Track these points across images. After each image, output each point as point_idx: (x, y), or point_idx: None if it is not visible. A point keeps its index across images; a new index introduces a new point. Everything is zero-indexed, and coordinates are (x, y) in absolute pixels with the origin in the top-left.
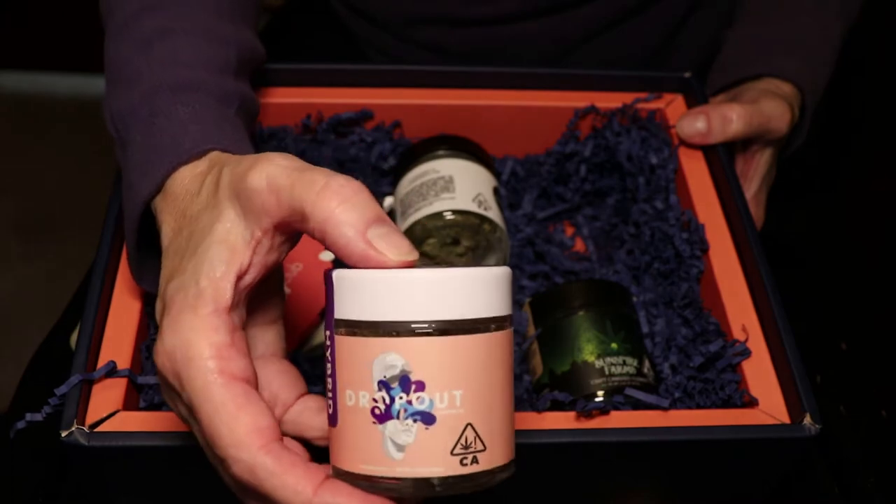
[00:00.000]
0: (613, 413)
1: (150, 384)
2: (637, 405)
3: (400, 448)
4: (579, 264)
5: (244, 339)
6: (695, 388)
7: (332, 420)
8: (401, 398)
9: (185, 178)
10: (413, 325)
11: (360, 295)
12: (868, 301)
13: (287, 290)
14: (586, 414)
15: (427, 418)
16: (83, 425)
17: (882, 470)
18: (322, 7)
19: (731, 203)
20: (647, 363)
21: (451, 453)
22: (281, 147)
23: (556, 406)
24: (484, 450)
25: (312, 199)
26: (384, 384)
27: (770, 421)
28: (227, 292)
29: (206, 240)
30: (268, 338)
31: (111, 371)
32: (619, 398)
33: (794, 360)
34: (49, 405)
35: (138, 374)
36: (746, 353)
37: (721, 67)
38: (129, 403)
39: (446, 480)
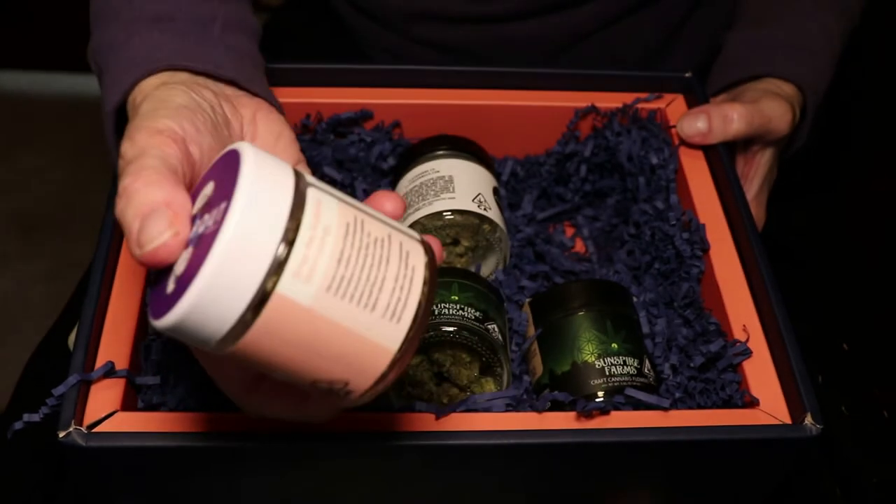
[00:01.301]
0: (614, 413)
1: (149, 384)
2: (637, 405)
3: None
4: (579, 265)
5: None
6: (695, 388)
7: None
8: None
9: (154, 80)
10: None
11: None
12: (869, 301)
13: None
14: (586, 414)
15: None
16: (81, 426)
17: (883, 470)
18: (321, 6)
19: (731, 203)
20: (647, 363)
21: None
22: None
23: (557, 406)
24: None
25: None
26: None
27: (771, 421)
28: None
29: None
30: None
31: (109, 371)
32: (619, 398)
33: (795, 360)
34: (47, 405)
35: (136, 374)
36: (747, 353)
37: (722, 68)
38: (127, 404)
39: None
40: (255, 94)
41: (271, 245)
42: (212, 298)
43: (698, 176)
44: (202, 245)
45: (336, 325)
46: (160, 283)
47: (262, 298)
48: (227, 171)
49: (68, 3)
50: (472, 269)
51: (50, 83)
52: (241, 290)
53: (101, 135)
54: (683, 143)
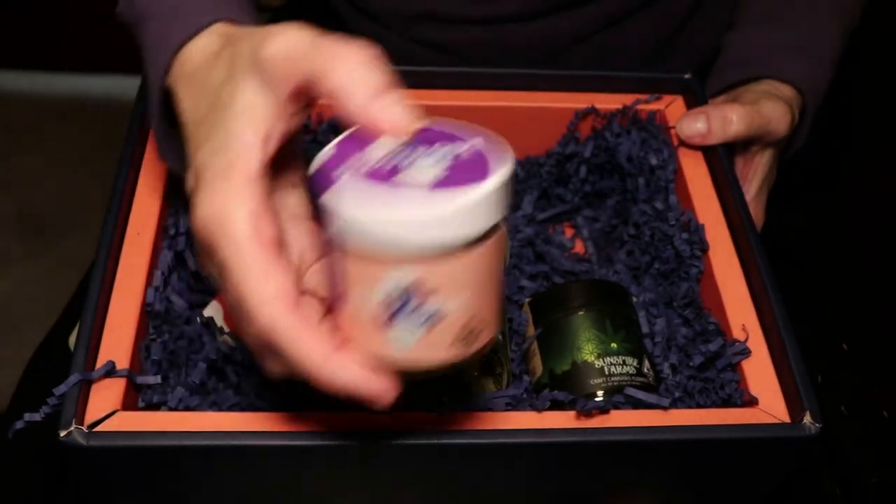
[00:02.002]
0: (613, 412)
1: (149, 384)
2: (637, 405)
3: (407, 344)
4: (579, 265)
5: (272, 204)
6: (695, 387)
7: (336, 300)
8: (410, 304)
9: (196, 53)
10: (425, 252)
11: (366, 231)
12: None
13: None
14: (586, 413)
15: (438, 316)
16: (82, 425)
17: (883, 470)
18: (322, 7)
19: (730, 203)
20: (647, 363)
21: (459, 339)
22: None
23: (556, 406)
24: (483, 329)
25: (326, 66)
26: (394, 294)
27: (770, 420)
28: (255, 161)
29: (231, 111)
30: (292, 200)
31: (110, 371)
32: (619, 398)
33: (794, 359)
34: (48, 405)
35: (137, 373)
36: (746, 352)
37: (721, 69)
38: (128, 403)
39: (451, 362)
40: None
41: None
42: (485, 204)
43: (698, 177)
44: (465, 168)
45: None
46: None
47: (496, 226)
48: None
49: (68, 3)
50: None
51: (50, 83)
52: (494, 211)
53: (101, 135)
54: (683, 144)
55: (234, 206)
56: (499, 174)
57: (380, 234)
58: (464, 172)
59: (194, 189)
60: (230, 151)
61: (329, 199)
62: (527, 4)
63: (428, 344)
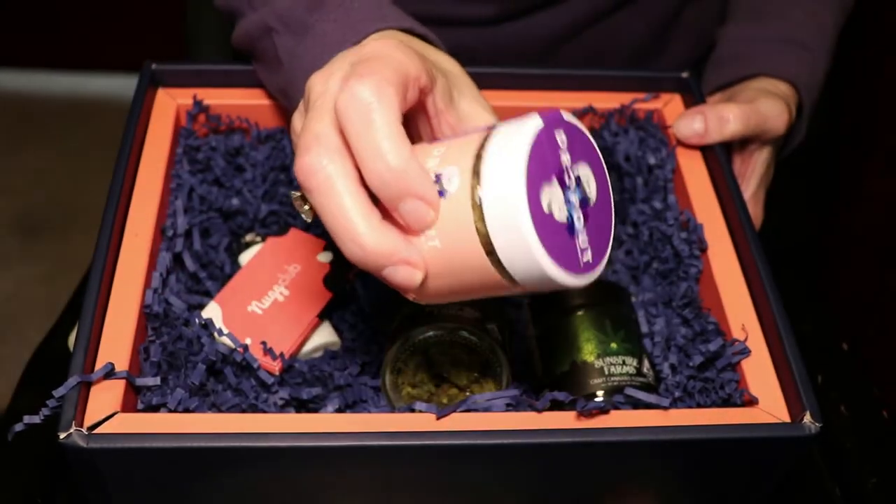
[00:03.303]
0: (613, 412)
1: (149, 386)
2: (637, 405)
3: None
4: None
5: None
6: (694, 387)
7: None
8: None
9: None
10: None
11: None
12: (869, 301)
13: (286, 291)
14: (586, 413)
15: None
16: (81, 427)
17: (883, 470)
18: None
19: (729, 202)
20: (646, 363)
21: None
22: (279, 149)
23: (556, 406)
24: None
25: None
26: None
27: (770, 420)
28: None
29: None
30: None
31: (109, 373)
32: (618, 398)
33: (793, 359)
34: (47, 407)
35: (136, 375)
36: (746, 351)
37: (716, 66)
38: (128, 405)
39: None
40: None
41: None
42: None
43: (696, 176)
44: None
45: None
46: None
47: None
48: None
49: (68, 3)
50: None
51: (50, 83)
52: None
53: (101, 135)
54: (680, 143)
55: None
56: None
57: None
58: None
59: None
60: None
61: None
62: (513, 3)
63: None
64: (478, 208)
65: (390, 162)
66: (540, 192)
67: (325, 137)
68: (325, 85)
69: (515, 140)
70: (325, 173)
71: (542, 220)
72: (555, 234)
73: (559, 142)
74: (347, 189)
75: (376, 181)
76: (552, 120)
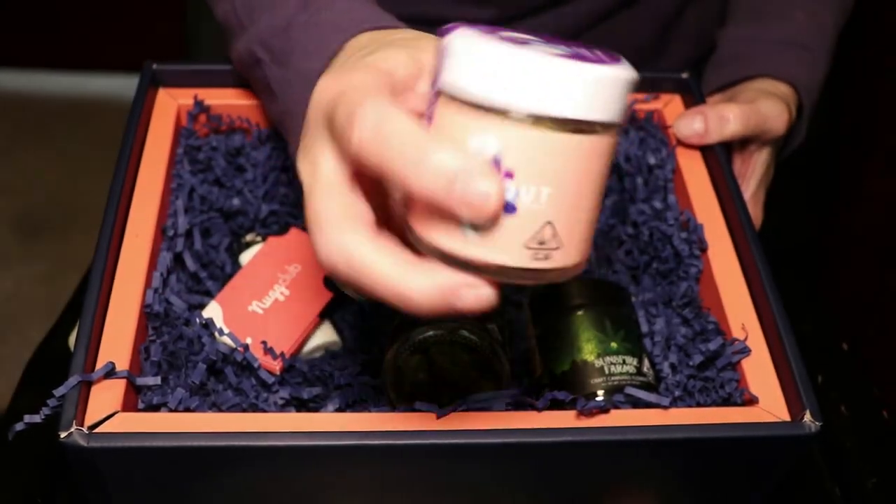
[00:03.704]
0: (613, 412)
1: (149, 385)
2: (637, 404)
3: (476, 230)
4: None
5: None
6: (695, 386)
7: None
8: None
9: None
10: (514, 113)
11: (467, 66)
12: (869, 301)
13: (286, 291)
14: (586, 413)
15: (508, 208)
16: (82, 426)
17: (883, 470)
18: None
19: (729, 202)
20: (646, 362)
21: (526, 247)
22: (279, 149)
23: (556, 405)
24: (558, 248)
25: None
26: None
27: (770, 419)
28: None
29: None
30: None
31: (110, 372)
32: (619, 397)
33: (793, 358)
34: (48, 406)
35: (137, 374)
36: (746, 351)
37: (717, 67)
38: (128, 404)
39: (514, 270)
40: None
41: None
42: (608, 86)
43: (696, 176)
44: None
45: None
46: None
47: (608, 127)
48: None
49: (68, 3)
50: None
51: (50, 83)
52: (612, 102)
53: (101, 135)
54: (681, 143)
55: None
56: (629, 69)
57: (484, 69)
58: (594, 58)
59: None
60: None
61: (445, 39)
62: (515, 4)
63: (496, 237)
64: (537, 118)
65: (444, 165)
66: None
67: (321, 214)
68: (311, 164)
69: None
70: (344, 262)
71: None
72: (564, 58)
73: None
74: (372, 260)
75: (438, 190)
76: (461, 26)
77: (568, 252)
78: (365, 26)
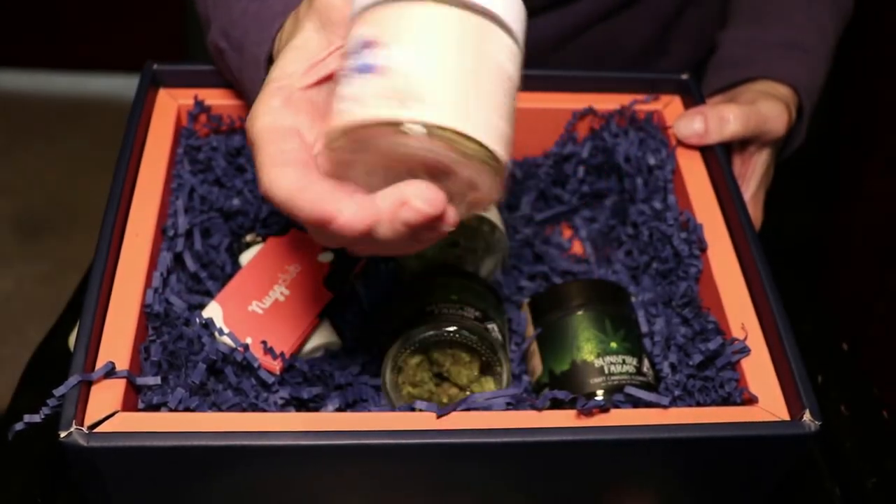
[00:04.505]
0: (613, 411)
1: (149, 385)
2: (637, 403)
3: (342, 99)
4: (578, 266)
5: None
6: (694, 386)
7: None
8: (355, 57)
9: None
10: None
11: None
12: (869, 301)
13: (286, 291)
14: (586, 412)
15: (366, 69)
16: (82, 426)
17: (883, 470)
18: None
19: (729, 202)
20: (646, 362)
21: (390, 99)
22: None
23: (556, 405)
24: (423, 102)
25: None
26: (352, 52)
27: (770, 418)
28: (294, 85)
29: (289, 45)
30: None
31: (110, 372)
32: (618, 397)
33: (793, 358)
34: (48, 406)
35: (137, 374)
36: (745, 350)
37: (717, 69)
38: (128, 404)
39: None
40: None
41: None
42: None
43: (695, 176)
44: None
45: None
46: None
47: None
48: None
49: (68, 3)
50: (471, 269)
51: (50, 83)
52: None
53: (101, 135)
54: (681, 143)
55: (261, 110)
56: None
57: None
58: None
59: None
60: (275, 78)
61: None
62: None
63: (372, 97)
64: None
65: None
66: None
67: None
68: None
69: None
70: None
71: None
72: None
73: None
74: (310, 205)
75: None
76: None
77: (440, 110)
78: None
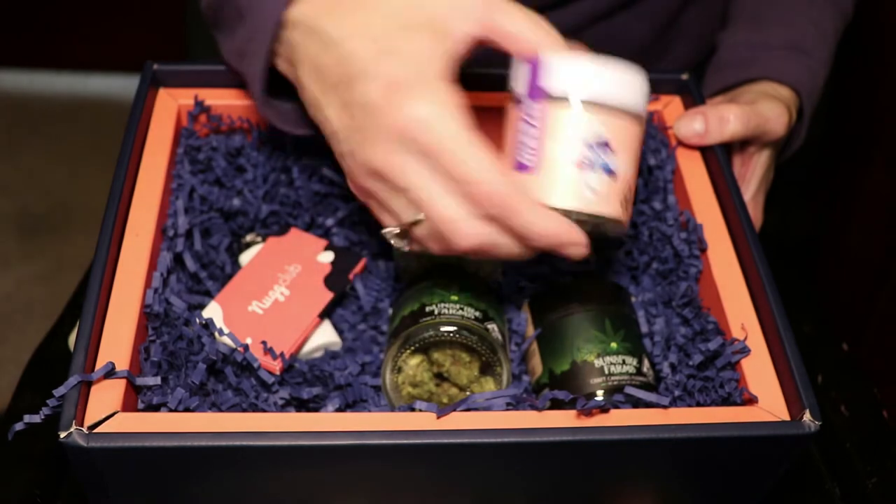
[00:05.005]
0: (613, 411)
1: (149, 385)
2: (637, 404)
3: (590, 192)
4: (578, 266)
5: None
6: (694, 386)
7: (530, 169)
8: (600, 154)
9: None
10: (614, 107)
11: (572, 77)
12: (869, 301)
13: (286, 291)
14: (586, 412)
15: (612, 174)
16: (82, 426)
17: (883, 470)
18: None
19: (728, 202)
20: (646, 362)
21: (622, 203)
22: (280, 149)
23: (556, 405)
24: (630, 203)
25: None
26: (590, 145)
27: (770, 418)
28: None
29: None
30: None
31: (110, 372)
32: (619, 397)
33: (793, 358)
34: (48, 406)
35: (137, 374)
36: (746, 350)
37: (718, 70)
38: (128, 404)
39: (617, 221)
40: None
41: None
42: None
43: (696, 176)
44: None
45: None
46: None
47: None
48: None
49: (68, 3)
50: (471, 269)
51: (50, 83)
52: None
53: (101, 135)
54: (681, 144)
55: (447, 104)
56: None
57: (599, 84)
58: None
59: (388, 95)
60: (426, 63)
61: (554, 57)
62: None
63: (604, 196)
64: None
65: (489, 191)
66: None
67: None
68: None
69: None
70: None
71: None
72: None
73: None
74: (515, 199)
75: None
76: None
77: (630, 208)
78: None
